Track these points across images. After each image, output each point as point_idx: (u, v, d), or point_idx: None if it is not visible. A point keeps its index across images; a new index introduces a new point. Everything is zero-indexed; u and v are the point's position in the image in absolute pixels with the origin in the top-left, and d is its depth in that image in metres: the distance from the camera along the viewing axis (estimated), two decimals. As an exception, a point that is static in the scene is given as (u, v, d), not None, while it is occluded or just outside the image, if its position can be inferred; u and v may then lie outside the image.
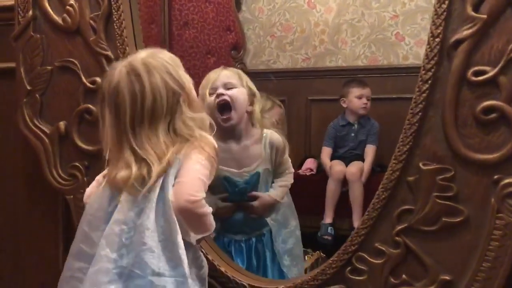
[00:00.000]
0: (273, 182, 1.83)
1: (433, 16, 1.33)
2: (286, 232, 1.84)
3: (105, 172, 1.34)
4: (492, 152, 1.30)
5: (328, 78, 3.16)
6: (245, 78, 1.75)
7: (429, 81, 1.34)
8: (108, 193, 1.28)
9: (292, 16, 3.25)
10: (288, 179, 1.84)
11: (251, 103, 1.76)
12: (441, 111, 1.33)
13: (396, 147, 1.39)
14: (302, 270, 1.92)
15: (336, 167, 2.55)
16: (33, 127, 1.71)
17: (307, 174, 2.67)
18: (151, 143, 1.24)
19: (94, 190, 1.34)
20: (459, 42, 1.31)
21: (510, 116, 1.27)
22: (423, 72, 1.34)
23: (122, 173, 1.23)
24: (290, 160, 1.86)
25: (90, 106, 1.66)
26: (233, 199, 1.75)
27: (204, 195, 1.22)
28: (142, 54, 1.30)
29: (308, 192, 2.44)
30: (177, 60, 1.33)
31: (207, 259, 1.55)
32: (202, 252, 1.41)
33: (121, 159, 1.25)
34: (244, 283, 1.54)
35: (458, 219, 1.33)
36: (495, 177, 1.30)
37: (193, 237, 1.27)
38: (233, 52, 3.25)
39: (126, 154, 1.24)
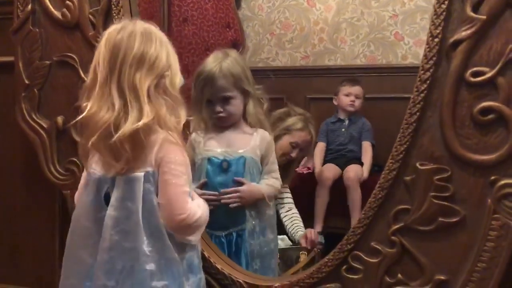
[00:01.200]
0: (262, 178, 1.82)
1: (433, 16, 1.33)
2: (263, 240, 1.82)
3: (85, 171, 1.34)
4: (489, 153, 1.30)
5: (327, 77, 3.17)
6: (240, 78, 1.74)
7: (428, 81, 1.34)
8: (90, 210, 1.28)
9: (291, 14, 3.25)
10: (274, 182, 1.83)
11: (246, 102, 1.77)
12: (439, 111, 1.34)
13: (393, 146, 1.39)
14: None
15: (325, 174, 2.54)
16: (31, 121, 1.71)
17: (304, 172, 2.66)
18: (139, 88, 1.23)
19: (81, 190, 1.34)
20: (458, 42, 1.31)
21: (508, 117, 1.28)
22: (422, 72, 1.35)
23: (103, 113, 1.21)
24: (277, 166, 1.85)
25: (88, 101, 1.65)
26: (215, 188, 1.74)
27: (189, 203, 1.26)
28: (152, 25, 1.32)
29: (304, 190, 2.44)
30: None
31: (203, 255, 1.55)
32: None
33: (105, 98, 1.23)
34: (240, 280, 1.55)
35: (454, 220, 1.34)
36: (492, 178, 1.30)
37: (194, 240, 1.30)
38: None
39: (112, 92, 1.22)
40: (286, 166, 2.16)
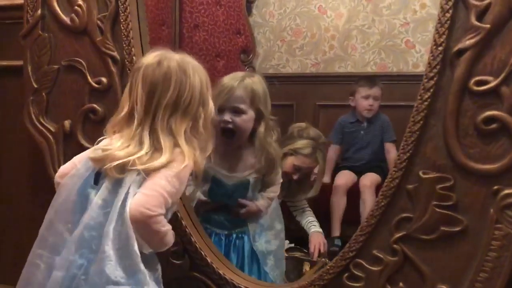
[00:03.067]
0: (262, 191, 1.85)
1: (437, 25, 1.34)
2: (271, 234, 1.84)
3: (85, 153, 1.34)
4: (492, 163, 1.30)
5: (337, 84, 3.16)
6: (259, 97, 1.75)
7: (431, 90, 1.34)
8: (79, 184, 1.27)
9: (302, 21, 3.25)
10: (275, 190, 1.86)
11: (258, 124, 1.77)
12: (442, 120, 1.33)
13: (397, 154, 1.39)
14: (283, 273, 1.91)
15: (339, 181, 2.53)
16: (38, 125, 1.73)
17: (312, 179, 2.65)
18: (176, 132, 1.25)
19: (68, 172, 1.32)
20: (462, 51, 1.31)
21: (511, 127, 1.27)
22: (425, 80, 1.34)
23: (130, 150, 1.23)
24: (280, 172, 1.87)
25: (95, 105, 1.68)
26: (217, 199, 1.77)
27: (162, 211, 1.21)
28: (189, 58, 1.33)
29: (311, 199, 2.44)
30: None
31: (206, 261, 1.56)
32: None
33: (136, 137, 1.24)
34: (242, 286, 1.55)
35: (457, 229, 1.33)
36: (495, 187, 1.29)
37: (147, 249, 1.26)
38: (242, 56, 3.26)
39: (145, 133, 1.24)
40: (286, 183, 2.15)
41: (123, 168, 1.22)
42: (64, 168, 1.37)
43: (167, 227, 1.25)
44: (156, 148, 1.23)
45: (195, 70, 1.30)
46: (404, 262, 1.39)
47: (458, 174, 1.33)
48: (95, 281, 1.18)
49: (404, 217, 1.38)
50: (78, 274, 1.20)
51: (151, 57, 1.30)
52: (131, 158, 1.21)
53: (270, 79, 3.09)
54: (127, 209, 1.19)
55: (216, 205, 1.79)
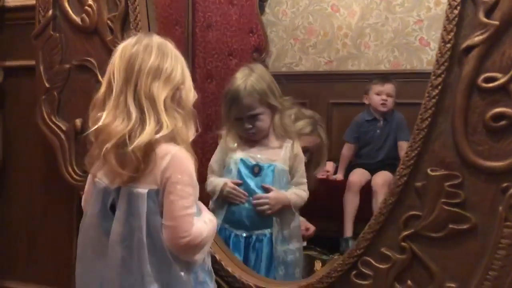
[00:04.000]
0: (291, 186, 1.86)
1: (445, 22, 1.33)
2: (288, 248, 1.84)
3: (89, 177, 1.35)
4: (501, 160, 1.28)
5: (350, 82, 3.16)
6: (265, 94, 1.78)
7: (439, 87, 1.33)
8: (96, 212, 1.29)
9: (315, 20, 3.26)
10: (302, 193, 1.86)
11: (273, 116, 1.81)
12: (450, 117, 1.33)
13: (405, 152, 1.38)
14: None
15: (353, 178, 2.53)
16: (50, 123, 1.75)
17: (324, 177, 2.65)
18: (157, 98, 1.23)
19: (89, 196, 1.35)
20: (470, 48, 1.30)
21: (520, 124, 1.26)
22: (433, 77, 1.34)
23: (118, 124, 1.21)
24: (306, 180, 1.89)
25: (106, 104, 1.69)
26: (245, 184, 1.79)
27: (194, 225, 1.24)
28: (167, 41, 1.33)
29: (322, 195, 2.43)
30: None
31: (215, 258, 1.57)
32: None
33: (121, 109, 1.23)
34: (250, 283, 1.56)
35: (465, 227, 1.32)
36: (504, 185, 1.28)
37: (200, 258, 1.29)
38: (255, 54, 3.25)
39: (129, 102, 1.22)
40: (310, 161, 2.16)
41: (119, 146, 1.21)
42: (85, 192, 1.39)
43: (204, 228, 1.27)
44: (141, 120, 1.22)
45: (176, 52, 1.30)
46: (412, 260, 1.38)
47: (466, 171, 1.32)
48: None
49: (412, 215, 1.38)
50: None
51: (129, 39, 1.30)
52: (122, 133, 1.20)
53: (287, 77, 3.13)
54: (160, 240, 1.21)
55: (242, 196, 1.79)
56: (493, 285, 1.29)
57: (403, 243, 1.38)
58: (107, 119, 1.22)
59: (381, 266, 1.41)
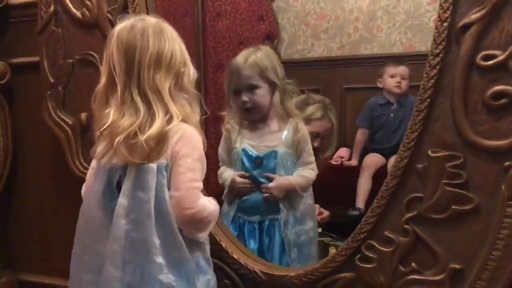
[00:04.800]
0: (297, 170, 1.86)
1: (441, 0, 1.30)
2: (301, 228, 1.84)
3: (93, 162, 1.35)
4: (503, 139, 1.26)
5: (363, 66, 3.14)
6: (266, 69, 1.78)
7: (437, 67, 1.31)
8: (98, 200, 1.29)
9: (326, 4, 3.24)
10: (309, 173, 1.86)
11: (273, 93, 1.81)
12: (450, 97, 1.31)
13: (405, 134, 1.37)
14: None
15: (367, 161, 2.52)
16: (56, 118, 1.78)
17: (338, 163, 2.65)
18: (162, 89, 1.24)
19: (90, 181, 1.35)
20: (467, 26, 1.27)
21: (521, 102, 1.24)
22: (431, 57, 1.32)
23: (127, 120, 1.22)
24: (313, 156, 1.88)
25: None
26: (253, 177, 1.79)
27: (200, 199, 1.25)
28: (160, 19, 1.32)
29: (337, 181, 2.43)
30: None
31: (220, 245, 1.58)
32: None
33: (128, 104, 1.23)
34: (256, 269, 1.56)
35: (468, 207, 1.31)
36: (506, 164, 1.26)
37: (203, 236, 1.30)
38: (266, 42, 3.25)
39: (134, 97, 1.23)
40: (322, 145, 2.17)
41: (130, 138, 1.22)
42: (86, 181, 1.39)
43: (210, 206, 1.29)
44: (150, 113, 1.23)
45: (172, 33, 1.29)
46: (416, 242, 1.37)
47: (468, 151, 1.30)
48: None
49: (415, 197, 1.36)
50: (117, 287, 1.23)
51: (123, 23, 1.28)
52: (132, 128, 1.21)
53: (300, 64, 3.12)
54: (167, 212, 1.22)
55: (251, 187, 1.80)
56: (497, 265, 1.28)
57: (406, 226, 1.37)
58: (115, 115, 1.23)
59: (385, 249, 1.41)
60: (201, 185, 1.28)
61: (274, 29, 3.28)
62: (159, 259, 1.22)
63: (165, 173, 1.24)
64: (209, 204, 1.29)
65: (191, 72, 1.33)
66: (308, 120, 2.15)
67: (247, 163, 1.81)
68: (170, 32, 1.29)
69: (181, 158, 1.24)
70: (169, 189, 1.25)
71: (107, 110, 1.25)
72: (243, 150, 1.81)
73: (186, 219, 1.24)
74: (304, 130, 1.86)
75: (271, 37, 3.27)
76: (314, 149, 2.16)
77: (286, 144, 1.81)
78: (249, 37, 3.14)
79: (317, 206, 2.20)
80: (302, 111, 2.17)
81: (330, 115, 2.22)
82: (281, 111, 1.82)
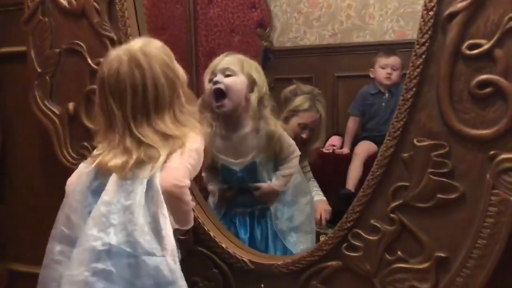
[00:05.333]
0: (277, 170, 1.86)
1: (426, -12, 1.30)
2: (295, 209, 1.85)
3: (88, 160, 1.36)
4: (488, 128, 1.27)
5: (355, 54, 3.13)
6: (249, 65, 1.76)
7: (423, 56, 1.31)
8: (92, 176, 1.31)
9: (318, -9, 3.22)
10: (292, 165, 1.86)
11: (251, 91, 1.77)
12: (435, 87, 1.31)
13: (390, 123, 1.37)
14: (312, 246, 1.91)
15: (358, 150, 2.52)
16: (44, 108, 1.77)
17: (330, 151, 2.65)
18: (157, 131, 1.26)
19: (75, 180, 1.36)
20: (453, 14, 1.27)
21: (506, 90, 1.23)
22: (417, 46, 1.32)
23: (117, 160, 1.25)
24: (293, 144, 1.87)
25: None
26: (233, 183, 1.81)
27: (189, 183, 1.25)
28: (139, 43, 1.32)
29: (329, 169, 2.43)
30: (170, 52, 1.35)
31: (209, 235, 1.59)
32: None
33: (118, 146, 1.26)
34: (244, 258, 1.57)
35: (453, 196, 1.31)
36: (491, 152, 1.27)
37: (173, 224, 1.27)
38: (259, 30, 3.24)
39: (127, 141, 1.26)
40: (301, 145, 2.16)
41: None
42: (72, 177, 1.40)
43: (193, 204, 1.30)
44: (146, 153, 1.25)
45: (150, 58, 1.28)
46: (401, 230, 1.38)
47: (453, 140, 1.30)
48: (128, 252, 1.20)
49: (400, 186, 1.37)
50: (97, 246, 1.22)
51: (109, 65, 1.29)
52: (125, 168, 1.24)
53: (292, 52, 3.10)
54: (157, 184, 1.22)
55: (238, 191, 1.82)
56: (482, 253, 1.28)
57: (392, 215, 1.38)
58: (107, 157, 1.27)
59: (371, 237, 1.41)
60: (193, 171, 1.28)
61: (266, 16, 3.26)
62: (143, 223, 1.21)
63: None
64: (193, 203, 1.30)
65: (182, 79, 1.34)
66: (295, 112, 2.15)
67: (228, 176, 1.81)
68: (148, 60, 1.28)
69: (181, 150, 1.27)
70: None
71: (102, 150, 1.30)
72: (222, 166, 1.80)
73: (171, 188, 1.22)
74: (278, 127, 1.83)
75: (263, 25, 3.25)
76: (302, 140, 2.16)
77: (263, 150, 1.80)
78: (241, 24, 3.12)
79: (324, 201, 2.21)
80: (291, 102, 2.17)
81: (318, 106, 2.21)
82: (256, 114, 1.77)
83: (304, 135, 2.17)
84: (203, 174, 1.88)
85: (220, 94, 1.72)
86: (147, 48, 1.30)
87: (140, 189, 1.23)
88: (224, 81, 1.71)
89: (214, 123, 1.78)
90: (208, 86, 1.74)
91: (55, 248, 1.33)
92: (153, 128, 1.26)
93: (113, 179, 1.26)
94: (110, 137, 1.29)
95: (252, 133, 1.78)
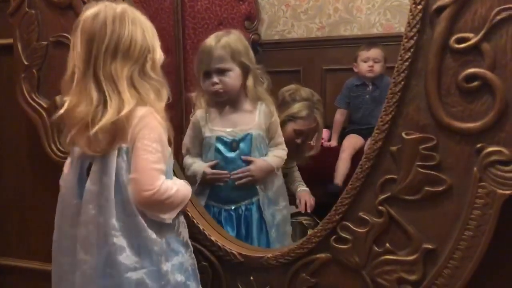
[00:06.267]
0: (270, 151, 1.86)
1: (415, -18, 1.31)
2: (276, 209, 1.85)
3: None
4: (475, 121, 1.28)
5: (343, 47, 3.15)
6: (238, 52, 1.76)
7: (411, 50, 1.32)
8: (74, 187, 1.31)
9: (306, -16, 3.23)
10: (281, 153, 1.87)
11: (246, 77, 1.79)
12: (423, 80, 1.31)
13: (379, 117, 1.38)
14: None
15: (346, 144, 2.54)
16: (31, 101, 1.76)
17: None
18: (116, 78, 1.24)
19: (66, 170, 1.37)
20: (441, 8, 1.28)
21: (493, 84, 1.25)
22: (405, 40, 1.32)
23: (82, 108, 1.23)
24: (282, 138, 1.89)
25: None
26: (224, 165, 1.79)
27: (160, 180, 1.25)
28: (126, 5, 1.32)
29: (317, 162, 2.44)
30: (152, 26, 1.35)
31: (198, 228, 1.59)
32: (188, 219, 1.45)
33: (84, 92, 1.24)
34: (233, 251, 1.58)
35: (441, 188, 1.33)
36: (478, 145, 1.28)
37: (168, 218, 1.30)
38: (246, 23, 3.24)
39: (89, 85, 1.23)
40: (294, 150, 2.17)
41: (84, 130, 1.23)
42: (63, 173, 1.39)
43: (174, 187, 1.28)
44: (104, 100, 1.23)
45: (135, 19, 1.29)
46: (389, 223, 1.39)
47: (441, 133, 1.32)
48: (112, 273, 1.23)
49: (389, 179, 1.38)
50: (87, 271, 1.25)
51: (88, 11, 1.28)
52: (86, 118, 1.22)
53: (279, 45, 3.11)
54: (127, 195, 1.23)
55: (224, 176, 1.80)
56: (469, 245, 1.30)
57: (380, 207, 1.39)
58: (71, 103, 1.24)
59: (359, 230, 1.43)
60: (161, 167, 1.27)
61: (254, 9, 3.26)
62: (120, 241, 1.23)
63: (125, 157, 1.25)
64: (172, 186, 1.28)
65: (157, 57, 1.32)
66: (293, 118, 2.16)
67: (222, 148, 1.79)
68: (134, 18, 1.29)
69: (139, 140, 1.25)
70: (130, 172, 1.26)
71: (64, 98, 1.27)
72: (218, 138, 1.79)
73: (144, 201, 1.24)
74: (274, 112, 1.85)
75: (251, 18, 3.25)
76: (295, 144, 2.17)
77: (259, 127, 1.80)
78: (228, 17, 3.12)
79: (307, 191, 2.22)
80: (289, 107, 2.17)
81: (316, 114, 2.22)
82: (254, 94, 1.81)
83: (298, 141, 2.18)
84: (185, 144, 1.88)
85: (220, 93, 1.77)
86: (135, 11, 1.31)
87: (108, 205, 1.23)
88: (222, 81, 1.75)
89: (211, 102, 1.82)
90: (204, 83, 1.79)
91: (62, 260, 1.34)
92: (111, 74, 1.24)
93: (88, 188, 1.26)
94: (73, 85, 1.26)
95: (250, 110, 1.81)
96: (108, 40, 1.24)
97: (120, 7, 1.29)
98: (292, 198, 2.19)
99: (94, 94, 1.23)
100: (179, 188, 1.31)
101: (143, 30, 1.29)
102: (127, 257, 1.23)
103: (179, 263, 1.33)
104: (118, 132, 1.24)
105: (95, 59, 1.24)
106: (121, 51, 1.25)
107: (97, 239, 1.24)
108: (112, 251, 1.23)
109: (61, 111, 1.25)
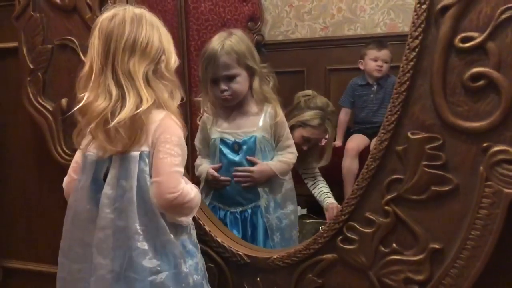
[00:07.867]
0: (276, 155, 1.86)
1: (419, -18, 1.31)
2: (282, 213, 1.85)
3: (77, 155, 1.38)
4: (481, 120, 1.27)
5: (346, 47, 3.14)
6: (244, 55, 1.76)
7: (417, 49, 1.31)
8: (86, 193, 1.31)
9: (309, -15, 3.23)
10: (288, 157, 1.86)
11: (252, 79, 1.80)
12: (429, 80, 1.31)
13: (385, 117, 1.38)
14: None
15: (350, 144, 2.53)
16: (37, 104, 1.77)
17: (322, 144, 2.65)
18: (134, 75, 1.26)
19: (71, 180, 1.38)
20: (446, 7, 1.27)
21: (499, 83, 1.24)
22: (410, 40, 1.32)
23: (101, 102, 1.24)
24: (292, 141, 1.88)
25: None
26: (228, 168, 1.79)
27: (182, 183, 1.27)
28: (144, 10, 1.34)
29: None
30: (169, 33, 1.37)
31: (204, 229, 1.59)
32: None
33: (102, 88, 1.25)
34: (240, 252, 1.58)
35: (447, 188, 1.32)
36: (484, 145, 1.28)
37: (186, 220, 1.32)
38: (250, 24, 3.24)
39: (108, 81, 1.25)
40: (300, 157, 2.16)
41: (104, 124, 1.24)
42: (69, 172, 1.40)
43: (193, 191, 1.31)
44: (122, 95, 1.25)
45: (153, 23, 1.31)
46: (396, 223, 1.39)
47: (447, 133, 1.31)
48: (135, 277, 1.24)
49: (395, 179, 1.38)
50: (105, 275, 1.26)
51: (107, 13, 1.31)
52: (105, 111, 1.24)
53: (283, 45, 3.11)
54: (149, 198, 1.25)
55: (227, 181, 1.81)
56: (476, 244, 1.30)
57: (386, 207, 1.39)
58: (89, 98, 1.25)
59: (366, 230, 1.42)
60: (182, 170, 1.30)
61: (258, 10, 3.26)
62: (143, 245, 1.25)
63: (147, 161, 1.27)
64: (190, 190, 1.31)
65: (172, 60, 1.34)
66: (304, 124, 2.15)
67: (225, 150, 1.80)
68: (151, 21, 1.31)
69: (160, 144, 1.27)
70: (151, 176, 1.27)
71: (82, 94, 1.28)
72: (221, 140, 1.79)
73: (168, 203, 1.26)
74: (282, 114, 1.85)
75: (255, 19, 3.25)
76: (302, 151, 2.15)
77: (263, 129, 1.80)
78: (232, 18, 3.12)
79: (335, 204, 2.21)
80: (301, 113, 2.17)
81: (327, 125, 2.22)
82: (260, 96, 1.81)
83: (305, 147, 2.18)
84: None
85: (229, 100, 1.79)
86: (152, 16, 1.33)
87: (130, 208, 1.25)
88: (230, 87, 1.76)
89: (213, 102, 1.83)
90: (212, 88, 1.80)
91: (72, 267, 1.35)
92: (129, 70, 1.26)
93: (104, 198, 1.27)
94: (91, 82, 1.28)
95: (256, 112, 1.82)
96: (127, 37, 1.26)
97: (138, 10, 1.31)
98: (302, 199, 2.18)
99: (114, 89, 1.24)
100: (194, 192, 1.33)
101: (160, 34, 1.31)
102: (150, 261, 1.25)
103: (195, 263, 1.35)
104: (137, 131, 1.25)
105: (113, 55, 1.26)
106: (138, 49, 1.27)
107: (116, 243, 1.25)
108: (135, 255, 1.24)
109: (79, 105, 1.27)
